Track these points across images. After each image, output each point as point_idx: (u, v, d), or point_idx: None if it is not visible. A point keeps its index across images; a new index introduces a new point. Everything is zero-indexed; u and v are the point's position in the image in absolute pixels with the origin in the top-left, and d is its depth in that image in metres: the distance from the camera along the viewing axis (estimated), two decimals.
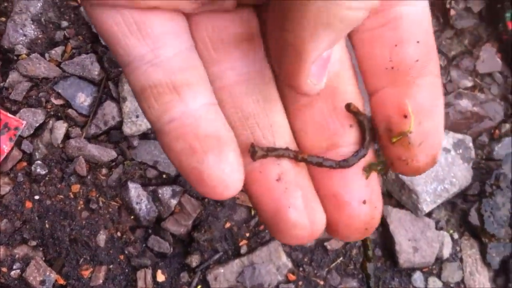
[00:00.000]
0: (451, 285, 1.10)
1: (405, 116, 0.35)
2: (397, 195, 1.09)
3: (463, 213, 1.12)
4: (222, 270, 1.03)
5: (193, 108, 0.32)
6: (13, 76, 1.05)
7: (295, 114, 0.38)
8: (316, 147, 0.38)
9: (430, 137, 0.36)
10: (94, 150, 1.03)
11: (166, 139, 0.33)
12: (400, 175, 1.06)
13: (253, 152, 0.34)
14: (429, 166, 0.37)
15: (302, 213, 0.36)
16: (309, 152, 0.37)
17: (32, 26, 1.07)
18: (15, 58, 1.06)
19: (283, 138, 0.37)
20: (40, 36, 1.08)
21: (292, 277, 1.05)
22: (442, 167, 1.08)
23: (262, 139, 0.36)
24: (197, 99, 0.33)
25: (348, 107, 0.36)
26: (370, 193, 0.38)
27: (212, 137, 0.32)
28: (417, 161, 0.36)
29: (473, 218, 1.10)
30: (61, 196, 1.02)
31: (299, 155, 0.36)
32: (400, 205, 1.10)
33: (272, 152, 0.35)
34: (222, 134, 0.33)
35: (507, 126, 1.18)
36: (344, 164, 0.37)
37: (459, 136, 1.12)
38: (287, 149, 0.36)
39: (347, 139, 0.38)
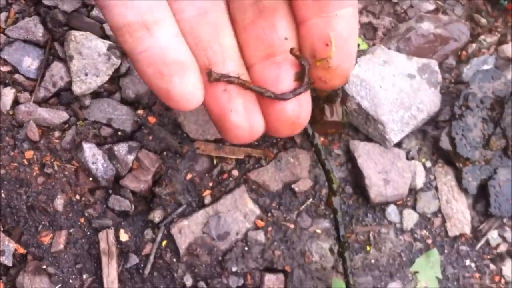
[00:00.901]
0: (428, 216, 0.91)
1: (327, 45, 0.38)
2: (363, 128, 0.90)
3: (435, 140, 0.92)
4: (186, 223, 0.85)
5: (160, 40, 0.35)
6: None
7: (241, 32, 0.41)
8: (256, 57, 0.41)
9: (346, 61, 0.40)
10: (45, 113, 0.86)
11: (139, 66, 0.36)
12: (363, 107, 0.87)
13: (209, 75, 0.39)
14: (342, 84, 0.43)
15: (242, 116, 0.40)
16: (250, 62, 0.42)
17: None
18: None
19: (232, 59, 0.40)
20: None
21: (260, 223, 0.86)
22: (407, 94, 0.89)
23: (215, 61, 0.39)
24: (163, 32, 0.36)
25: (291, 50, 0.40)
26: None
27: (176, 63, 0.36)
28: (334, 80, 0.41)
29: (445, 143, 0.90)
30: (15, 164, 0.84)
31: (246, 84, 0.40)
32: (368, 138, 0.91)
33: (225, 78, 0.39)
34: (184, 60, 0.36)
35: (474, 46, 0.98)
36: (281, 97, 0.40)
37: (424, 60, 0.92)
38: (237, 77, 0.40)
39: (282, 48, 0.41)
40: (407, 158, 0.91)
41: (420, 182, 0.90)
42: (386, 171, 0.89)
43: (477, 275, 0.90)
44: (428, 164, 0.92)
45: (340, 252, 0.80)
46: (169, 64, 0.35)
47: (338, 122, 0.78)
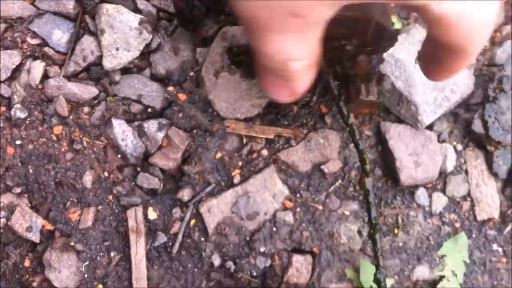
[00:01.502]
0: (457, 199, 0.81)
1: None
2: (395, 109, 0.80)
3: (466, 123, 0.82)
4: (215, 202, 0.76)
5: None
6: None
7: None
8: None
9: None
10: (74, 88, 0.76)
11: None
12: (397, 87, 0.77)
13: None
14: None
15: None
16: None
17: None
18: None
19: None
20: None
21: (289, 204, 0.77)
22: None
23: None
24: None
25: None
26: None
27: None
28: None
29: (477, 126, 0.80)
30: (44, 139, 0.75)
31: None
32: (399, 120, 0.81)
33: None
34: None
35: (508, 28, 0.86)
36: None
37: None
38: None
39: None
40: (438, 141, 0.81)
41: (450, 165, 0.80)
42: (417, 154, 0.79)
43: (504, 259, 0.80)
44: (459, 147, 0.82)
45: (371, 234, 0.70)
46: None
47: (373, 101, 0.68)
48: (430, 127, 0.81)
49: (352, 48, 0.64)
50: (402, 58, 0.78)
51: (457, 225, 0.80)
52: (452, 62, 0.45)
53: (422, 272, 0.78)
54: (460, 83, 0.79)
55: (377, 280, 0.70)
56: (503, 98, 0.80)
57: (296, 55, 0.43)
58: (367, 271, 0.76)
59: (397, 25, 0.82)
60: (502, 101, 0.80)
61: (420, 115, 0.77)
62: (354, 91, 0.70)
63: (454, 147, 0.82)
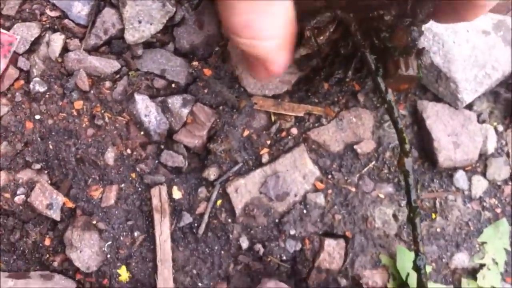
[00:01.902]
0: (498, 183, 0.81)
1: None
2: (432, 87, 0.80)
3: (508, 103, 0.82)
4: (243, 182, 0.76)
5: None
6: None
7: None
8: None
9: None
10: (95, 61, 0.77)
11: None
12: (435, 63, 0.76)
13: None
14: None
15: None
16: None
17: None
18: None
19: None
20: None
21: (320, 185, 0.77)
22: (482, 51, 0.78)
23: None
24: None
25: None
26: None
27: None
28: None
29: None
30: (64, 114, 0.76)
31: None
32: (436, 98, 0.81)
33: None
34: None
35: None
36: None
37: (499, 17, 0.81)
38: None
39: None
40: (478, 121, 0.80)
41: (491, 147, 0.80)
42: (456, 134, 0.79)
43: None
44: (500, 128, 0.82)
45: (410, 218, 0.70)
46: None
47: (413, 76, 0.68)
48: (469, 106, 0.81)
49: (390, 19, 0.64)
50: (440, 33, 0.78)
51: (498, 210, 0.80)
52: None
53: (461, 259, 0.78)
54: (501, 60, 0.79)
55: (416, 267, 0.70)
56: None
57: (264, 31, 0.45)
58: (404, 257, 0.76)
59: None
60: None
61: (460, 93, 0.77)
62: (393, 65, 0.69)
63: (495, 128, 0.81)
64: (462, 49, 0.78)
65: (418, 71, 0.69)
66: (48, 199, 0.73)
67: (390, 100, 0.69)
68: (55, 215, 0.73)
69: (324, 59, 0.72)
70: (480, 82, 0.78)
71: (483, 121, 0.81)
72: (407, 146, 0.69)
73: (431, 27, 0.77)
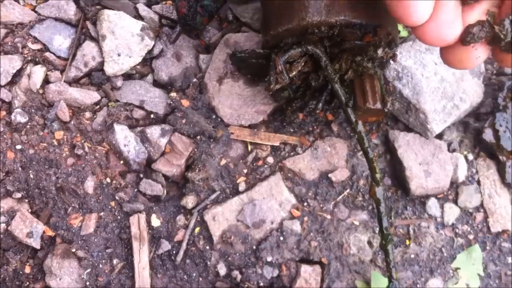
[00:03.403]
0: (470, 210, 1.01)
1: None
2: (403, 117, 1.01)
3: (477, 132, 1.03)
4: (220, 209, 0.95)
5: None
6: None
7: None
8: None
9: None
10: (75, 93, 0.96)
11: None
12: (404, 95, 0.97)
13: None
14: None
15: None
16: None
17: None
18: None
19: None
20: None
21: (296, 213, 0.96)
22: (450, 83, 0.99)
23: None
24: None
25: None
26: None
27: None
28: None
29: (488, 135, 1.01)
30: (44, 144, 0.94)
31: None
32: (407, 128, 1.01)
33: None
34: None
35: None
36: None
37: None
38: None
39: None
40: (449, 150, 1.01)
41: (462, 175, 1.00)
42: (427, 163, 0.99)
43: None
44: (470, 156, 1.02)
45: (383, 245, 0.89)
46: None
47: (380, 110, 0.87)
48: (439, 136, 1.02)
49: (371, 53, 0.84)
50: (409, 66, 0.99)
51: (471, 237, 0.99)
52: None
53: (435, 285, 0.97)
54: (469, 91, 1.00)
55: None
56: None
57: None
58: (379, 283, 0.94)
59: (403, 33, 1.04)
60: None
61: (430, 124, 0.98)
62: (361, 98, 0.90)
63: (465, 157, 1.02)
64: (430, 82, 0.99)
65: (384, 105, 0.90)
66: (28, 228, 0.90)
67: (360, 131, 0.88)
68: (35, 243, 0.90)
69: (296, 91, 0.92)
70: (448, 113, 0.99)
71: (454, 150, 1.01)
72: (378, 176, 0.88)
73: (400, 60, 0.99)
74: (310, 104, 0.95)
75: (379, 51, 0.80)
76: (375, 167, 0.87)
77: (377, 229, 0.94)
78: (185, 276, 0.92)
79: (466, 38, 0.56)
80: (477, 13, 0.57)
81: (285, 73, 0.81)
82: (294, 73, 0.83)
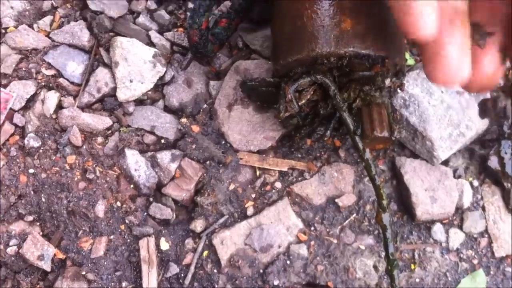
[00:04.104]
0: (474, 236, 1.01)
1: None
2: (410, 144, 1.02)
3: (482, 159, 1.03)
4: (228, 233, 0.96)
5: None
6: (2, 49, 0.99)
7: None
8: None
9: None
10: (88, 118, 0.98)
11: None
12: (411, 122, 0.98)
13: None
14: None
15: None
16: None
17: None
18: (3, 31, 1.01)
19: None
20: (27, 7, 1.03)
21: (303, 237, 0.97)
22: (456, 111, 1.00)
23: None
24: None
25: None
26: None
27: None
28: None
29: (493, 162, 1.01)
30: (57, 168, 0.96)
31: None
32: (414, 155, 1.02)
33: None
34: None
35: None
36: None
37: None
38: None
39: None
40: (454, 177, 1.02)
41: (467, 201, 1.01)
42: (433, 189, 1.00)
43: None
44: (475, 183, 1.03)
45: (389, 270, 0.89)
46: None
47: (387, 138, 0.89)
48: (445, 162, 1.02)
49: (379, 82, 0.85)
50: (415, 94, 1.00)
51: (475, 261, 1.00)
52: None
53: None
54: (475, 119, 1.01)
55: None
56: None
57: None
58: None
59: (410, 61, 1.05)
60: None
61: (436, 151, 0.99)
62: (369, 126, 0.91)
63: (471, 183, 1.03)
64: (437, 109, 1.00)
65: (392, 133, 0.91)
66: (39, 250, 0.91)
67: (367, 159, 0.89)
68: (46, 266, 0.91)
69: (305, 118, 0.93)
70: (454, 140, 0.99)
71: (459, 177, 1.02)
72: (385, 202, 0.89)
73: (407, 88, 1.00)
74: (318, 131, 0.96)
75: (387, 81, 0.81)
76: (382, 193, 0.88)
77: (383, 253, 0.94)
78: None
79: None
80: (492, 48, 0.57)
81: (294, 102, 0.82)
82: (303, 101, 0.84)
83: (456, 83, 0.53)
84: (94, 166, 0.95)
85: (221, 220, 0.95)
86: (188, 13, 1.00)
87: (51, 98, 0.97)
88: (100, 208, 0.94)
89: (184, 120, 0.99)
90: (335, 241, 0.96)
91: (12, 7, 1.01)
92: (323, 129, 0.96)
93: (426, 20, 0.50)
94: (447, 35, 0.51)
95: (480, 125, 1.01)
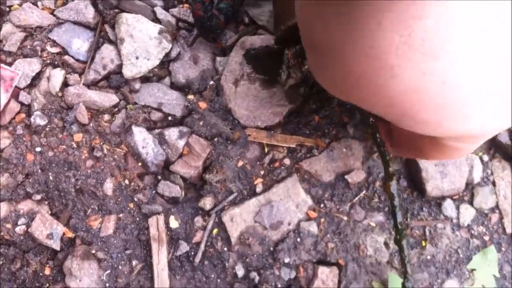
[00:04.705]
0: (485, 211, 1.01)
1: None
2: None
3: None
4: (238, 211, 0.95)
5: None
6: (6, 27, 0.98)
7: None
8: None
9: None
10: (94, 96, 0.97)
11: None
12: None
13: None
14: None
15: None
16: None
17: None
18: (7, 9, 1.00)
19: None
20: None
21: (313, 214, 0.96)
22: None
23: None
24: None
25: None
26: None
27: None
28: None
29: (503, 136, 1.01)
30: (64, 146, 0.95)
31: None
32: None
33: None
34: None
35: None
36: None
37: None
38: None
39: None
40: None
41: (477, 176, 1.00)
42: (443, 164, 0.99)
43: None
44: (485, 158, 1.02)
45: (398, 240, 0.89)
46: None
47: None
48: None
49: None
50: None
51: (486, 238, 0.99)
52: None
53: (451, 286, 0.97)
54: None
55: None
56: None
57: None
58: (396, 284, 0.95)
59: None
60: None
61: None
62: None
63: (480, 158, 1.02)
64: None
65: None
66: (48, 229, 0.91)
67: (372, 121, 0.89)
68: (55, 244, 0.91)
69: (312, 87, 0.93)
70: None
71: None
72: (391, 169, 0.88)
73: None
74: (326, 109, 0.96)
75: None
76: (388, 160, 0.88)
77: (393, 224, 0.94)
78: (203, 278, 0.93)
79: None
80: None
81: (298, 67, 0.82)
82: (306, 67, 0.84)
83: None
84: (101, 144, 0.94)
85: (230, 198, 0.95)
86: None
87: (57, 75, 0.96)
88: (108, 186, 0.93)
89: (191, 96, 0.98)
90: (345, 218, 0.96)
91: None
92: (328, 108, 0.95)
93: None
94: None
95: None
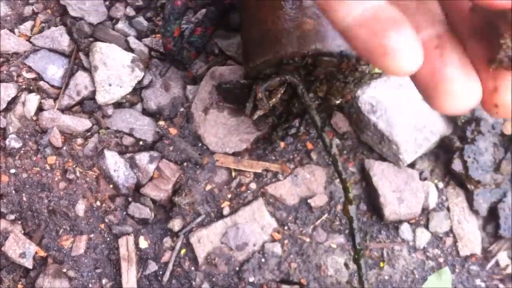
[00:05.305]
0: (440, 235, 1.09)
1: None
2: (377, 148, 1.09)
3: (447, 162, 1.12)
4: (205, 232, 1.02)
5: (371, 4, 0.36)
6: None
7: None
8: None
9: None
10: (68, 120, 1.03)
11: (351, 32, 0.37)
12: (378, 127, 1.06)
13: None
14: None
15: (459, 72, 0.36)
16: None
17: (0, 3, 1.08)
18: None
19: (442, 23, 0.39)
20: (9, 12, 1.08)
21: (277, 236, 1.03)
22: (421, 117, 1.08)
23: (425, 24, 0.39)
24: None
25: None
26: None
27: (390, 19, 0.35)
28: None
29: (457, 165, 1.09)
30: (37, 169, 1.00)
31: None
32: (382, 158, 1.10)
33: None
34: (397, 17, 0.36)
35: None
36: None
37: None
38: None
39: None
40: (420, 179, 1.09)
41: (432, 202, 1.09)
42: (400, 190, 1.07)
43: None
44: (441, 185, 1.11)
45: (356, 259, 0.96)
46: (383, 22, 0.37)
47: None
48: (412, 165, 1.10)
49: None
50: (383, 100, 1.08)
51: (441, 260, 1.08)
52: None
53: None
54: (439, 124, 1.09)
55: None
56: (481, 140, 1.11)
57: None
58: None
59: (378, 69, 1.13)
60: (480, 142, 1.11)
61: (402, 154, 1.07)
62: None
63: (436, 185, 1.11)
64: (403, 115, 1.08)
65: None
66: (21, 248, 0.96)
67: (334, 154, 0.97)
68: (28, 263, 0.96)
69: (279, 117, 1.00)
70: (419, 144, 1.07)
71: (425, 179, 1.10)
72: (351, 194, 0.96)
73: (375, 95, 1.08)
74: (292, 129, 1.03)
75: (357, 73, 0.89)
76: (348, 187, 0.95)
77: (351, 245, 1.01)
78: None
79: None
80: None
81: (265, 100, 0.89)
82: (273, 100, 0.91)
83: (468, 109, 0.45)
84: (74, 166, 1.00)
85: (198, 220, 1.01)
86: None
87: (32, 100, 1.02)
88: (80, 208, 0.99)
89: (161, 123, 1.05)
90: (307, 240, 1.03)
91: None
92: (295, 127, 1.03)
93: (407, 58, 0.37)
94: (439, 64, 0.39)
95: (444, 130, 1.09)
